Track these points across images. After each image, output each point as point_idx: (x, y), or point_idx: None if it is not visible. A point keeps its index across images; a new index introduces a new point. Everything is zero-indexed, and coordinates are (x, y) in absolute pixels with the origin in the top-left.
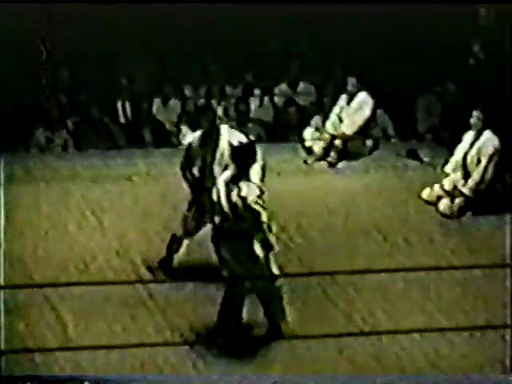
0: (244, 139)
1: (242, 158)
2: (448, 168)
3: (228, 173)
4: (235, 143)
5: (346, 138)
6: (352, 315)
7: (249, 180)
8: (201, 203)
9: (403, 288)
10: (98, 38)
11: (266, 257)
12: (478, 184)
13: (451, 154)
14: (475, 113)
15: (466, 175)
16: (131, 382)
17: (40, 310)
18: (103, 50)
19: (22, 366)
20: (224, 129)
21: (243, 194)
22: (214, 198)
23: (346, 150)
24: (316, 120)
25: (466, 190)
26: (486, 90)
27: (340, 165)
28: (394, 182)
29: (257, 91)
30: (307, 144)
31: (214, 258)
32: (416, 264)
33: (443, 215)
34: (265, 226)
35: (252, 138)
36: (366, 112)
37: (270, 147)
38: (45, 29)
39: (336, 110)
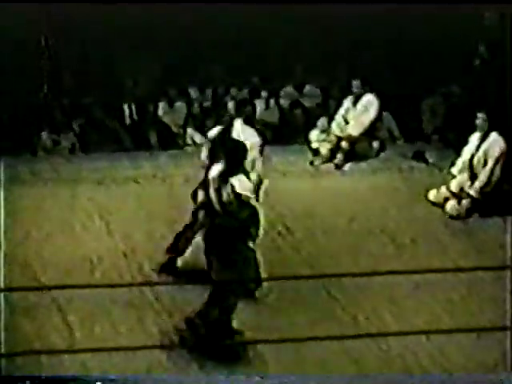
0: (255, 135)
1: (233, 153)
2: (454, 170)
3: (218, 168)
4: (243, 139)
5: (352, 140)
6: (358, 317)
7: (241, 174)
8: None
9: (410, 289)
10: (100, 39)
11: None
12: (484, 185)
13: (457, 155)
14: (480, 114)
15: (473, 177)
16: None
17: (46, 311)
18: (107, 51)
19: (28, 368)
20: (237, 123)
21: (236, 189)
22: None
23: (353, 151)
24: (322, 122)
25: (472, 192)
26: (492, 91)
27: (346, 166)
28: (401, 184)
29: (263, 93)
30: (313, 146)
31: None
32: (423, 266)
33: (450, 217)
34: (259, 221)
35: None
36: (372, 113)
37: (276, 149)
38: (46, 29)
39: (342, 111)
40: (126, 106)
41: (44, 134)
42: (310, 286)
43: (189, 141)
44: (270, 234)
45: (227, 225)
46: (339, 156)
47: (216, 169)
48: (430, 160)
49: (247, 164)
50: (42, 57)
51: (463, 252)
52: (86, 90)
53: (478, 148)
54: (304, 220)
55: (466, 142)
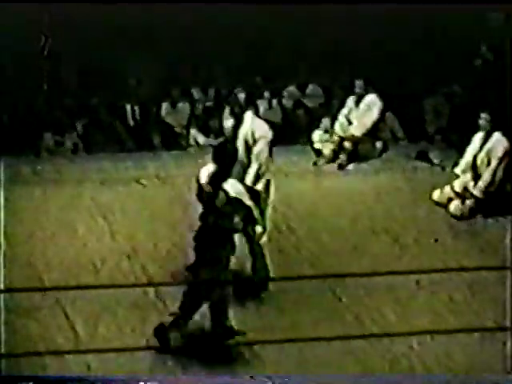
0: (265, 128)
1: (222, 156)
2: (458, 170)
3: (209, 168)
4: (250, 134)
5: (354, 140)
6: (362, 317)
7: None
8: None
9: (413, 289)
10: (101, 39)
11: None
12: (488, 185)
13: (461, 155)
14: (483, 114)
15: (476, 177)
16: None
17: (50, 312)
18: (107, 51)
19: (32, 368)
20: (248, 115)
21: (230, 194)
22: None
23: (356, 152)
24: (325, 122)
25: (476, 192)
26: (495, 92)
27: (349, 167)
28: (404, 184)
29: (266, 93)
30: (316, 146)
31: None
32: (426, 266)
33: (453, 217)
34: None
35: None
36: (375, 113)
37: (279, 149)
38: (46, 29)
39: (344, 111)
40: (128, 107)
41: (47, 135)
42: (313, 286)
43: (192, 141)
44: (274, 234)
45: (220, 225)
46: (342, 156)
47: (205, 174)
48: (434, 160)
49: (253, 156)
50: (42, 57)
51: (467, 252)
52: (90, 90)
53: (481, 148)
54: (307, 220)
55: (469, 142)
